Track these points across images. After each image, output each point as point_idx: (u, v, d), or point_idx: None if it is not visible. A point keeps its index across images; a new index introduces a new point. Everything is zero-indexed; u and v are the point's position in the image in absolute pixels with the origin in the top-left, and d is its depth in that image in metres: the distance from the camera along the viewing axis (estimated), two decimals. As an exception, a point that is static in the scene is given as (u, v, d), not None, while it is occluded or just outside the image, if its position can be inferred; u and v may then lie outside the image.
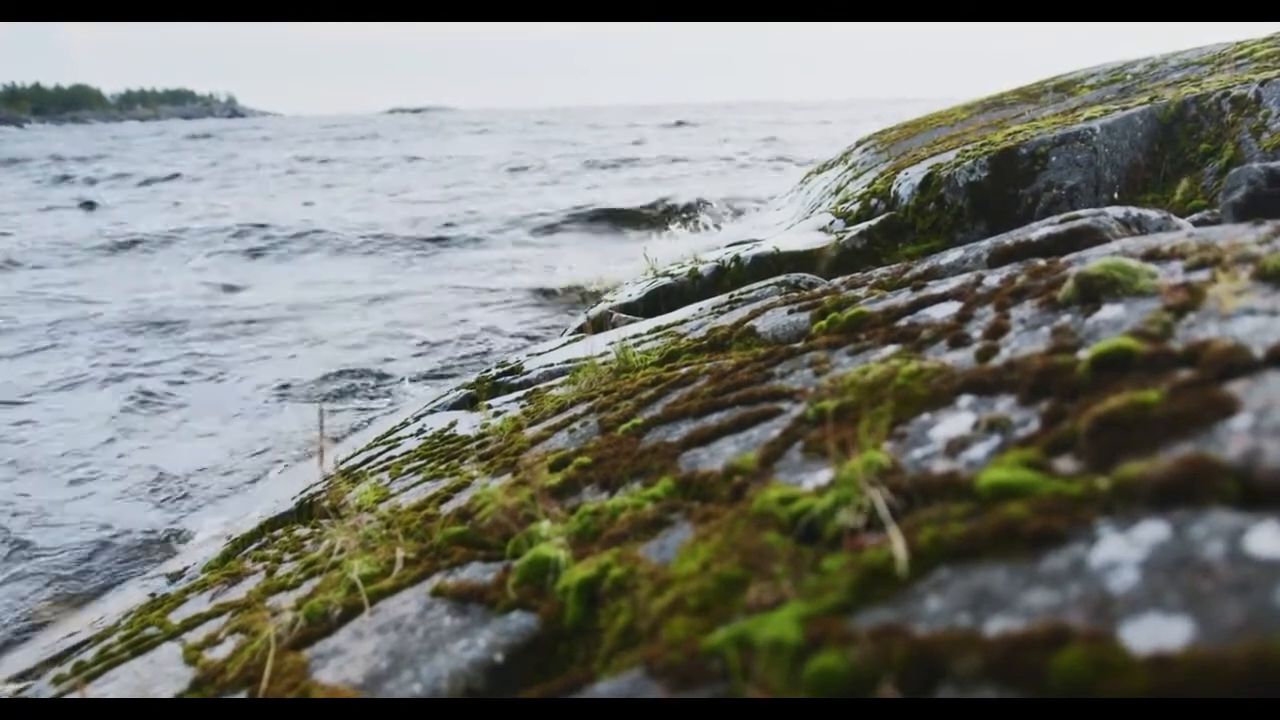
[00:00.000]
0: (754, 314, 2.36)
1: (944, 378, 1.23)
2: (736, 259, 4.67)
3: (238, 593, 1.86)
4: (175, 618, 1.87)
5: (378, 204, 17.79)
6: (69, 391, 6.57)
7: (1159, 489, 0.75)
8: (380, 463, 2.82)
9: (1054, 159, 3.98)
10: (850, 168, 6.96)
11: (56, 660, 2.39)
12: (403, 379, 6.47)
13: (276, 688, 1.21)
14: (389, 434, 3.57)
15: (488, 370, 4.21)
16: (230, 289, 10.38)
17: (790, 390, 1.52)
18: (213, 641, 1.54)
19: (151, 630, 1.82)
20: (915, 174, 4.52)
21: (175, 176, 25.58)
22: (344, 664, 1.20)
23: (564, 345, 4.28)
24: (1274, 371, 0.89)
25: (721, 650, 0.81)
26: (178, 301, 9.50)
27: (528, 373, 3.58)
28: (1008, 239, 2.25)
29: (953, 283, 1.80)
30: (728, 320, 2.51)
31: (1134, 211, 2.33)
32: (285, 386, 6.45)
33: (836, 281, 2.67)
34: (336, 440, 4.73)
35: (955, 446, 1.03)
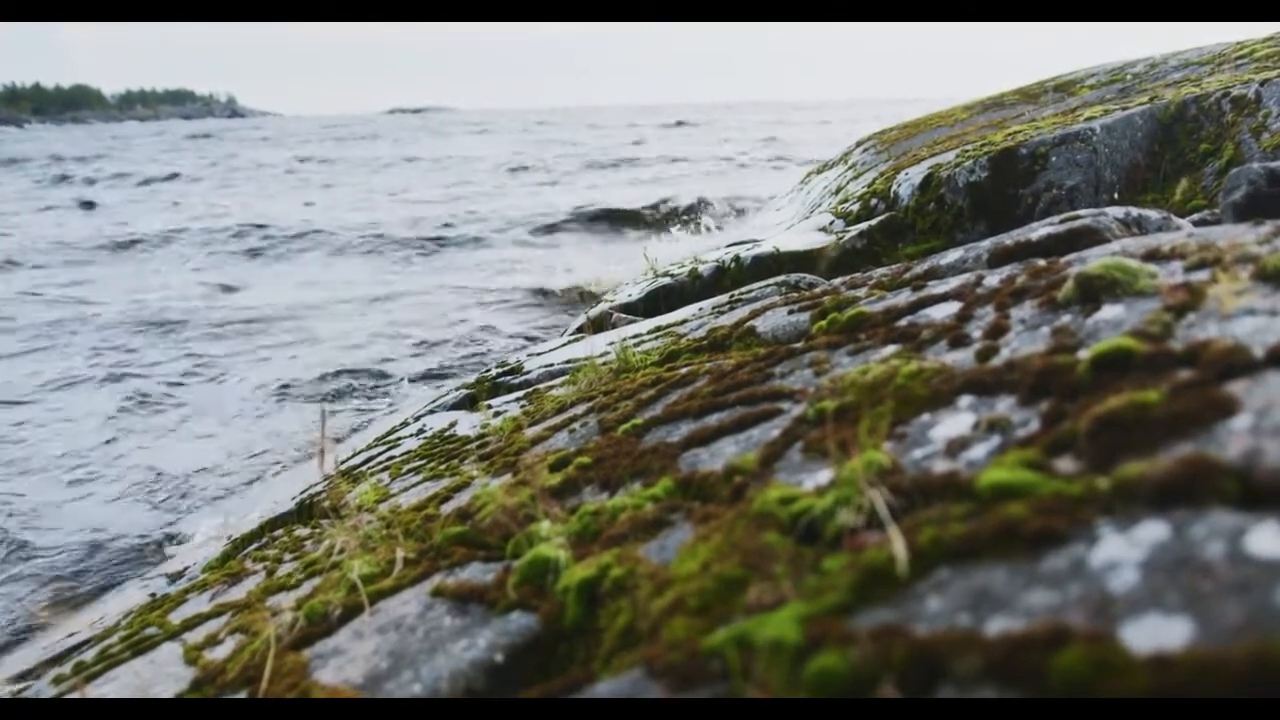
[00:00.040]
0: (754, 314, 2.36)
1: (944, 378, 1.23)
2: (736, 259, 4.67)
3: (238, 593, 1.86)
4: (175, 618, 1.87)
5: (377, 204, 17.79)
6: (67, 392, 6.57)
7: (1159, 489, 0.75)
8: (380, 463, 2.82)
9: (1054, 159, 3.98)
10: (850, 168, 6.96)
11: (56, 660, 2.39)
12: (402, 379, 6.47)
13: (276, 688, 1.21)
14: (389, 434, 3.57)
15: (487, 370, 4.21)
16: (229, 289, 10.37)
17: (790, 390, 1.52)
18: (213, 641, 1.54)
19: (151, 630, 1.82)
20: (915, 174, 4.52)
21: (175, 176, 25.57)
22: (344, 664, 1.20)
23: (564, 345, 4.28)
24: (1274, 371, 0.89)
25: (721, 650, 0.81)
26: (177, 302, 9.49)
27: (527, 373, 3.57)
28: (1008, 239, 2.25)
29: (953, 283, 1.80)
30: (728, 320, 2.51)
31: (1134, 211, 2.33)
32: (284, 387, 6.45)
33: (836, 281, 2.67)
34: (337, 440, 4.73)
35: (955, 446, 1.03)
